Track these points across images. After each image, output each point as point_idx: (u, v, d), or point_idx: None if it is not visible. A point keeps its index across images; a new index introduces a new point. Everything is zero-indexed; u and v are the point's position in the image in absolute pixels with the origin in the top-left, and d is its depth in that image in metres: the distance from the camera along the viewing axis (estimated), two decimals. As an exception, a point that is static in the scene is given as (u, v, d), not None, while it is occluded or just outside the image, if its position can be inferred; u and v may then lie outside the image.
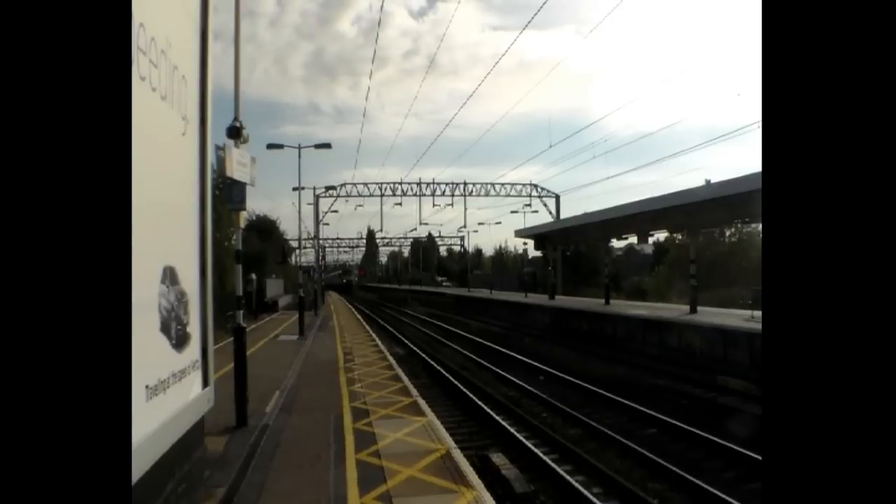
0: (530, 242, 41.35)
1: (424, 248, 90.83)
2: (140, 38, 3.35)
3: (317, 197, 39.39)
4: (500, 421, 10.70)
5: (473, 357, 19.47)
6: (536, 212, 48.26)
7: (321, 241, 45.22)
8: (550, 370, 16.27)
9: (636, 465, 8.58)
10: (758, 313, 17.49)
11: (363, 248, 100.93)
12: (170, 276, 4.03)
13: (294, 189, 27.24)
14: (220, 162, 7.42)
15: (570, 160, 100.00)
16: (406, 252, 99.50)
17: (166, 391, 3.88)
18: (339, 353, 15.95)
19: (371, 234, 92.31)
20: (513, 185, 48.68)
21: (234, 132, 8.06)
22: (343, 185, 48.43)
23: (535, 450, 8.94)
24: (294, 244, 53.63)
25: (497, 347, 21.59)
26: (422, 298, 60.11)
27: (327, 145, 25.31)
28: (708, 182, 20.27)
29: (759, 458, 8.10)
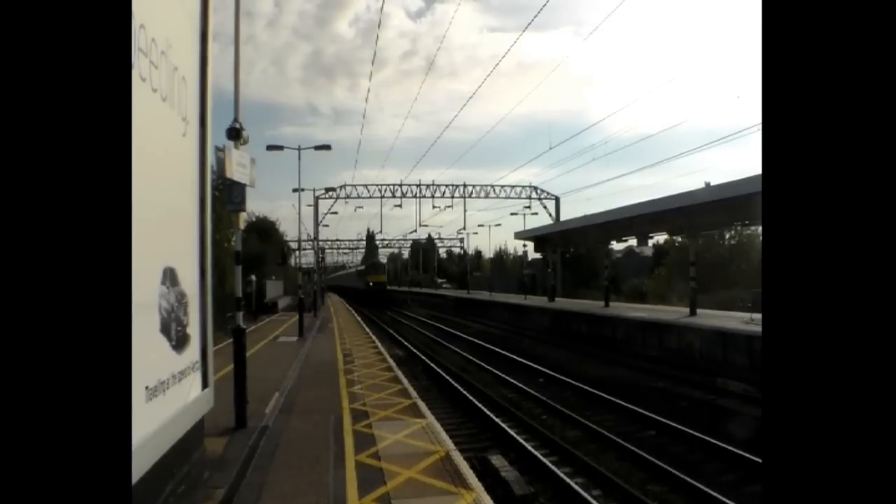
0: (530, 244, 41.37)
1: (424, 249, 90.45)
2: (141, 39, 3.35)
3: (316, 198, 39.38)
4: (500, 423, 10.69)
5: (473, 359, 19.46)
6: (536, 214, 48.28)
7: (321, 243, 45.14)
8: (550, 372, 16.26)
9: (636, 467, 8.58)
10: (757, 316, 17.49)
11: (363, 250, 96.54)
12: (170, 277, 4.03)
13: (294, 190, 27.26)
14: (220, 163, 7.42)
15: (569, 162, 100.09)
16: (406, 254, 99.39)
17: (166, 392, 3.88)
18: (339, 355, 15.94)
19: (371, 236, 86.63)
20: (512, 187, 48.68)
21: (234, 133, 8.06)
22: (343, 186, 48.43)
23: (535, 452, 8.93)
24: (294, 245, 53.69)
25: (497, 349, 21.57)
26: (421, 300, 60.09)
27: (327, 147, 25.33)
28: (707, 184, 20.30)
29: (759, 460, 8.10)
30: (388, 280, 65.62)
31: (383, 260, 77.82)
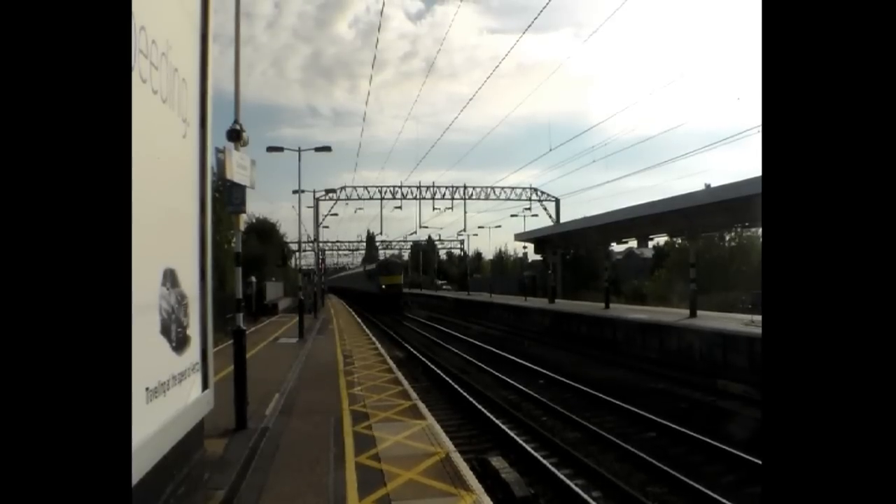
0: (530, 246, 41.36)
1: (424, 251, 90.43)
2: (141, 40, 3.35)
3: (316, 200, 39.45)
4: (500, 424, 10.69)
5: (473, 360, 19.46)
6: (536, 215, 48.27)
7: (321, 244, 45.10)
8: (550, 374, 16.26)
9: (636, 468, 8.57)
10: (757, 317, 17.49)
11: (363, 251, 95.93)
12: (170, 278, 4.03)
13: (294, 192, 27.26)
14: (220, 164, 7.43)
15: (570, 164, 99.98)
16: (406, 255, 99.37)
17: (166, 393, 3.88)
18: (339, 356, 15.93)
19: (371, 238, 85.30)
20: (513, 188, 48.65)
21: (234, 135, 8.08)
22: (343, 188, 48.38)
23: (535, 453, 8.93)
24: (294, 247, 53.65)
25: (497, 351, 21.58)
26: (421, 301, 60.07)
27: (327, 148, 25.34)
28: (708, 186, 20.31)
29: (759, 461, 8.09)
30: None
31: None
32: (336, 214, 50.38)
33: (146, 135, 3.47)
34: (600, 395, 13.16)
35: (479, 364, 18.61)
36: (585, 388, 13.95)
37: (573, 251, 46.99)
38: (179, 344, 4.26)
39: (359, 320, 32.02)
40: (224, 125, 8.12)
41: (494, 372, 16.89)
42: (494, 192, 49.03)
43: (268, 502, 5.52)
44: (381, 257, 66.57)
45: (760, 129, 1.75)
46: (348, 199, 48.89)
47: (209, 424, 6.27)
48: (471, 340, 25.83)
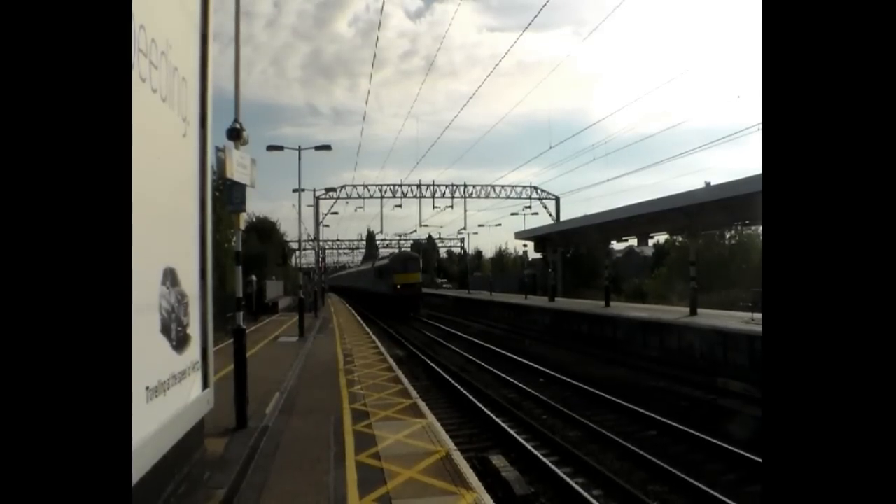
0: (530, 244, 41.33)
1: (424, 249, 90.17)
2: (141, 39, 3.35)
3: (317, 199, 39.42)
4: (501, 423, 10.69)
5: (473, 359, 19.46)
6: (536, 214, 48.25)
7: (321, 243, 45.02)
8: (550, 372, 16.26)
9: (637, 467, 8.58)
10: (758, 315, 17.48)
11: (363, 250, 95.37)
12: (170, 277, 4.04)
13: (294, 191, 27.24)
14: (221, 163, 7.43)
15: (570, 162, 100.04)
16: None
17: (166, 392, 3.88)
18: (339, 355, 15.93)
19: (371, 236, 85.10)
20: (513, 186, 48.63)
21: (235, 133, 8.07)
22: (343, 186, 48.34)
23: (536, 452, 8.94)
24: (294, 245, 53.63)
25: (497, 349, 21.57)
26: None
27: (327, 147, 25.32)
28: (707, 184, 20.30)
29: (760, 460, 8.09)
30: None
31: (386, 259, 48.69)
32: (336, 213, 50.29)
33: (146, 134, 3.47)
34: (601, 393, 13.15)
35: (480, 362, 18.61)
36: (586, 387, 13.95)
37: (573, 249, 46.93)
38: (179, 343, 4.27)
39: (359, 319, 32.01)
40: (224, 124, 8.11)
41: (495, 370, 16.89)
42: (494, 190, 49.02)
43: (268, 501, 5.52)
44: (381, 255, 64.95)
45: (760, 126, 1.74)
46: (348, 197, 48.84)
47: (209, 423, 6.28)
48: (471, 339, 25.82)
